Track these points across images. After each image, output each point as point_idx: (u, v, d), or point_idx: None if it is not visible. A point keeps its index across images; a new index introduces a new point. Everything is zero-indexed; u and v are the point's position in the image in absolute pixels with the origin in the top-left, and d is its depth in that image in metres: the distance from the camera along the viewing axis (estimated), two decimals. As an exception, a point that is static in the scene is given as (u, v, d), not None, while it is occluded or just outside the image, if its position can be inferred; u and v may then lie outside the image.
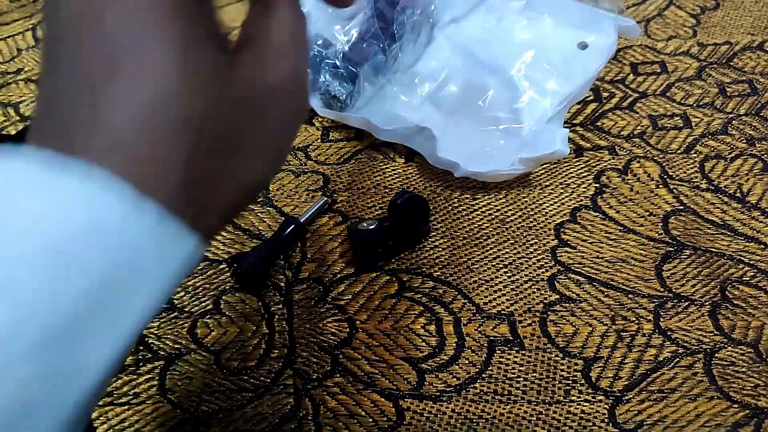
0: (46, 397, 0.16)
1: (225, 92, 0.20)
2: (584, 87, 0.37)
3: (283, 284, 0.33)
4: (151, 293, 0.17)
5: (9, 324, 0.15)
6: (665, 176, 0.36)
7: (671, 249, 0.33)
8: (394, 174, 0.37)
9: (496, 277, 0.32)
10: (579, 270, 0.32)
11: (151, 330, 0.32)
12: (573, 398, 0.28)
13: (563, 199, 0.35)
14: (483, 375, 0.29)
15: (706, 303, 0.31)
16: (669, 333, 0.30)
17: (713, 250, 0.33)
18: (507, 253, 0.33)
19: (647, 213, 0.34)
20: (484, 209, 0.35)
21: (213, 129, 0.19)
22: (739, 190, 0.35)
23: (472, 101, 0.38)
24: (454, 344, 0.30)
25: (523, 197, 0.36)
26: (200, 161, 0.18)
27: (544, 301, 0.31)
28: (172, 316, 0.32)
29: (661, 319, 0.30)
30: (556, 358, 0.29)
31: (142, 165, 0.17)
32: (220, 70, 0.20)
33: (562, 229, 0.34)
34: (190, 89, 0.19)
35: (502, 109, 0.37)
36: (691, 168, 0.36)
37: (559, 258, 0.33)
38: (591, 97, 0.41)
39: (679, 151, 0.37)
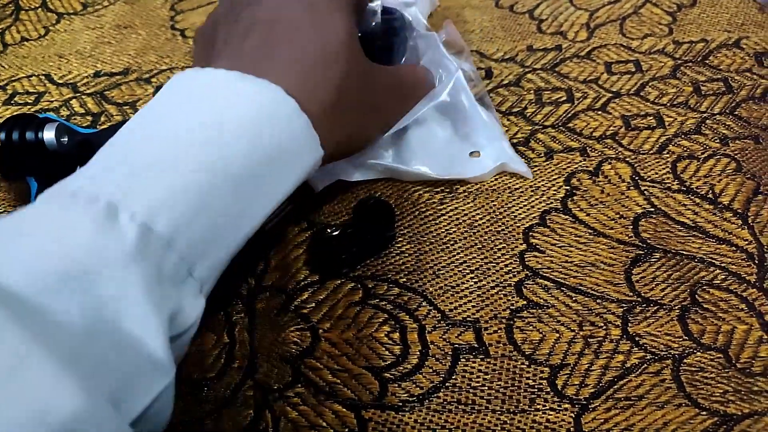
0: (231, 225, 0.22)
1: (369, 68, 0.29)
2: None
3: (245, 293, 0.32)
4: (290, 178, 0.24)
5: (223, 162, 0.22)
6: (636, 177, 0.35)
7: (641, 252, 0.32)
8: (362, 179, 0.36)
9: (463, 283, 0.32)
10: (547, 275, 0.32)
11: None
12: (538, 407, 0.28)
13: (533, 202, 0.35)
14: (447, 384, 0.29)
15: (676, 307, 0.30)
16: (637, 339, 0.29)
17: (684, 252, 0.32)
18: (474, 258, 0.33)
19: (618, 215, 0.34)
20: (451, 214, 0.35)
21: (357, 87, 0.28)
22: (711, 191, 0.34)
23: None
24: (418, 353, 0.30)
25: (492, 201, 0.35)
26: (340, 105, 0.26)
27: (511, 308, 0.31)
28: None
29: (630, 324, 0.30)
30: (522, 366, 0.29)
31: (303, 90, 0.24)
32: (363, 53, 0.29)
33: (531, 233, 0.33)
34: (350, 49, 0.27)
35: None
36: (663, 169, 0.36)
37: (527, 263, 0.32)
38: (564, 98, 0.40)
39: (651, 152, 0.37)
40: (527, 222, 0.34)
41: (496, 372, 0.29)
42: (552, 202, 0.35)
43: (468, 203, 0.35)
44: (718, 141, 0.37)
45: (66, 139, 0.33)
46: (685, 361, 0.28)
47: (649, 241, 0.33)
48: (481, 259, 0.33)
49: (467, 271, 0.32)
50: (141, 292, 0.18)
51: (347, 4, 0.29)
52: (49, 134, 0.32)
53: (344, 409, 0.28)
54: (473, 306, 0.31)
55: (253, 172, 0.22)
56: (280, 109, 0.23)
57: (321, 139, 0.25)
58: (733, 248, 0.32)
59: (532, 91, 0.41)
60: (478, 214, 0.34)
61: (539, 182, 0.36)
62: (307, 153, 0.25)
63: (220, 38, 0.28)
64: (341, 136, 0.28)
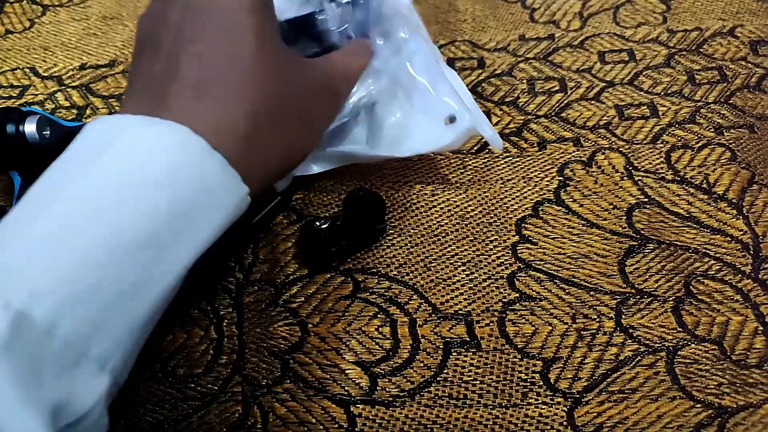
0: (139, 292, 0.20)
1: (293, 74, 0.25)
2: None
3: (233, 287, 0.32)
4: (210, 227, 0.21)
5: (125, 226, 0.19)
6: (630, 167, 0.35)
7: (635, 243, 0.32)
8: (352, 171, 0.36)
9: (454, 276, 0.31)
10: (540, 267, 0.31)
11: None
12: (531, 401, 0.27)
13: (525, 193, 0.34)
14: (438, 378, 0.28)
15: (670, 299, 0.30)
16: (631, 331, 0.29)
17: (678, 243, 0.32)
18: (466, 250, 0.32)
19: (611, 206, 0.33)
20: (443, 205, 0.34)
21: (280, 99, 0.24)
22: (705, 181, 0.34)
23: None
24: (409, 347, 0.29)
25: (484, 192, 0.34)
26: (260, 128, 0.23)
27: (503, 300, 0.30)
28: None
29: (623, 316, 0.29)
30: (514, 360, 0.28)
31: (215, 121, 0.22)
32: (287, 57, 0.25)
33: (523, 225, 0.33)
34: (265, 58, 0.24)
35: None
36: (657, 158, 0.35)
37: (519, 255, 0.32)
38: (556, 88, 0.40)
39: (645, 142, 0.36)
40: (520, 213, 0.33)
41: (488, 366, 0.28)
42: (545, 193, 0.34)
43: (460, 194, 0.34)
44: (712, 130, 0.36)
45: (48, 132, 0.32)
46: (679, 353, 0.28)
47: (642, 232, 0.32)
48: (473, 251, 0.32)
49: (459, 264, 0.32)
50: (12, 386, 0.17)
51: (259, 3, 0.25)
52: (30, 127, 0.32)
53: (333, 405, 0.28)
54: (465, 299, 0.30)
55: (163, 230, 0.20)
56: (188, 152, 0.21)
57: (246, 171, 0.22)
58: (728, 238, 0.32)
59: (524, 81, 0.40)
60: (470, 205, 0.34)
61: (532, 173, 0.35)
62: (226, 194, 0.22)
63: (135, 65, 0.25)
64: (274, 156, 0.25)
